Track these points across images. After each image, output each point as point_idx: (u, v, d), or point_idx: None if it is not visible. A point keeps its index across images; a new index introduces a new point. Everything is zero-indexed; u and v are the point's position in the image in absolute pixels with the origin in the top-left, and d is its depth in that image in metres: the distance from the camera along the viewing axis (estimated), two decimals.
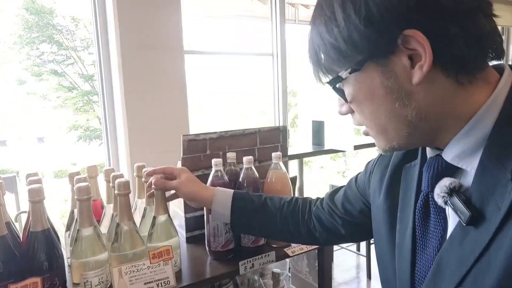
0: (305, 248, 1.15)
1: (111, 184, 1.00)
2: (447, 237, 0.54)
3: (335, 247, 3.26)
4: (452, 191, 0.52)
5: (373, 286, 2.96)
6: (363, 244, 3.27)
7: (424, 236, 0.59)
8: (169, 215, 0.97)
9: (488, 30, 0.49)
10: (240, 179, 1.09)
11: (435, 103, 0.51)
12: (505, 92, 0.51)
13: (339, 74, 0.54)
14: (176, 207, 1.25)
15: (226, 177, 1.08)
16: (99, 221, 1.04)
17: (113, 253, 0.90)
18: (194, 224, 1.19)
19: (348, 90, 0.56)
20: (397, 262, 0.63)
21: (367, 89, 0.54)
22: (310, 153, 2.94)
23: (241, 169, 1.12)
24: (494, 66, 0.54)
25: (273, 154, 1.14)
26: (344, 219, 0.84)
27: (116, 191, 0.90)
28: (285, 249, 1.13)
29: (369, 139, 3.00)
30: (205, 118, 3.12)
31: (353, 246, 3.39)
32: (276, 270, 1.33)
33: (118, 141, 2.29)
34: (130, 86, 2.17)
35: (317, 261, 1.27)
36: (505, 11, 4.65)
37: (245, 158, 1.08)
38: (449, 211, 0.56)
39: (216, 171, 1.07)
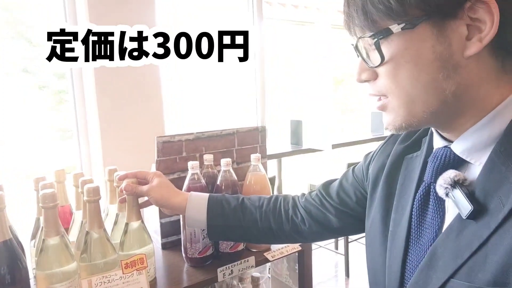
0: (285, 252, 1.13)
1: (80, 190, 0.94)
2: (444, 229, 0.53)
3: (313, 247, 3.27)
4: (455, 183, 0.51)
5: (351, 284, 2.97)
6: (341, 243, 3.28)
7: (420, 226, 0.58)
8: (142, 222, 0.92)
9: None
10: (218, 182, 1.05)
11: (475, 84, 0.49)
12: None
13: (390, 27, 0.48)
14: (151, 212, 1.20)
15: (203, 180, 1.04)
16: (67, 229, 0.98)
17: (83, 263, 0.85)
18: (170, 230, 1.15)
19: (388, 49, 0.50)
20: (389, 250, 0.62)
21: (414, 50, 0.49)
22: (289, 153, 2.92)
23: (218, 171, 1.08)
24: None
25: (252, 156, 1.11)
26: (338, 209, 0.81)
27: (85, 198, 0.85)
28: (264, 254, 1.10)
29: (348, 138, 2.98)
30: (183, 117, 3.05)
31: (331, 245, 3.41)
32: (255, 274, 1.30)
33: (90, 142, 2.20)
34: (102, 85, 2.09)
35: (297, 264, 1.25)
36: None
37: (223, 161, 1.04)
38: (448, 204, 0.55)
39: (193, 174, 1.02)
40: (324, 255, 3.34)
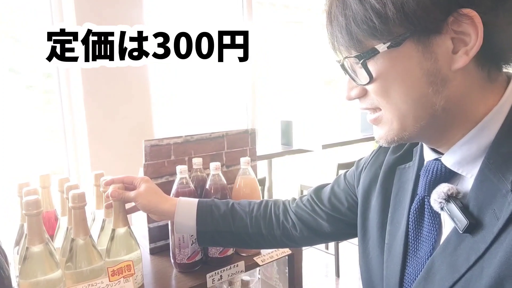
0: (275, 256, 1.12)
1: (65, 196, 0.92)
2: (441, 242, 0.53)
3: (303, 247, 3.27)
4: (449, 197, 0.51)
5: (341, 284, 2.98)
6: (331, 243, 3.29)
7: (416, 240, 0.58)
8: (129, 227, 0.90)
9: None
10: (207, 186, 1.04)
11: (463, 96, 0.49)
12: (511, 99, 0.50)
13: (376, 47, 0.48)
14: (139, 216, 1.18)
15: (191, 185, 1.02)
16: (52, 235, 0.96)
17: (68, 271, 0.83)
18: (158, 234, 1.13)
19: (375, 67, 0.50)
20: (386, 263, 0.62)
21: (401, 67, 0.49)
22: (279, 154, 2.92)
23: (208, 175, 1.07)
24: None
25: (242, 160, 1.10)
26: (330, 215, 0.81)
27: (70, 204, 0.82)
28: (254, 258, 1.09)
29: (338, 138, 2.98)
30: (174, 119, 3.03)
31: (321, 245, 3.41)
32: (245, 277, 1.29)
33: (77, 145, 2.16)
34: (90, 87, 2.05)
35: (287, 268, 1.24)
36: None
37: (211, 165, 1.03)
38: (444, 217, 0.54)
39: (181, 178, 1.01)
40: (315, 256, 3.35)
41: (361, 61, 0.50)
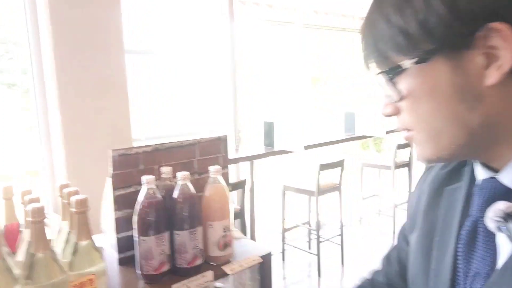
0: (245, 264, 1.12)
1: (26, 208, 0.90)
2: (498, 268, 0.49)
3: (286, 247, 3.29)
4: (508, 216, 0.47)
5: (323, 283, 3.01)
6: (313, 243, 3.31)
7: (468, 265, 0.53)
8: (92, 240, 0.89)
9: None
10: (175, 196, 1.03)
11: (505, 112, 0.46)
12: None
13: (400, 63, 0.47)
14: (108, 226, 1.16)
15: (159, 195, 1.01)
16: (14, 247, 0.94)
17: (27, 286, 0.81)
18: (127, 244, 1.12)
19: (405, 84, 0.49)
20: None
21: (430, 84, 0.47)
22: (260, 155, 2.92)
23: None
24: None
25: (211, 168, 1.09)
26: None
27: (29, 218, 0.81)
28: (223, 267, 1.08)
29: (321, 139, 2.98)
30: (153, 122, 3.00)
31: (304, 245, 3.44)
32: (218, 284, 1.29)
33: (53, 150, 2.12)
34: (65, 90, 2.02)
35: (259, 275, 1.24)
36: None
37: (178, 174, 1.02)
38: (500, 239, 0.50)
39: (149, 189, 1.00)
40: (297, 256, 3.36)
41: (390, 77, 0.49)
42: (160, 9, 2.73)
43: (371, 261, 3.26)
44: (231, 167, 2.94)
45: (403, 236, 0.72)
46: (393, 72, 0.49)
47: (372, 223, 4.15)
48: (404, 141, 4.01)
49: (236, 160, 2.79)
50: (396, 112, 0.52)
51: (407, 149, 3.98)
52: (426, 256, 0.59)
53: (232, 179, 2.62)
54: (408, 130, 0.52)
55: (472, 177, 0.56)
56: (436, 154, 0.50)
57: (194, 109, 3.13)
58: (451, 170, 0.61)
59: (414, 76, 0.48)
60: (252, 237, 2.88)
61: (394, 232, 3.86)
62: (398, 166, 3.92)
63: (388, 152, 4.71)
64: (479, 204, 0.52)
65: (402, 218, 4.14)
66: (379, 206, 4.32)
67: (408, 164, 4.03)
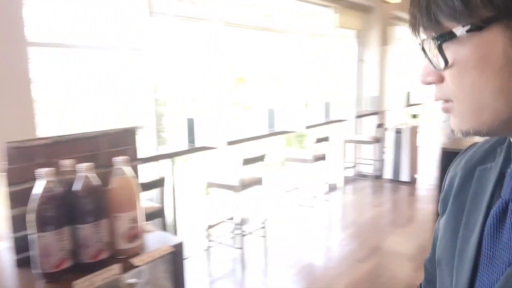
0: (156, 255, 1.11)
1: None
2: None
3: (211, 244, 3.30)
4: None
5: (247, 276, 3.07)
6: (238, 237, 3.37)
7: (494, 246, 0.51)
8: None
9: None
10: (77, 188, 0.99)
11: None
12: None
13: (453, 30, 0.44)
14: (4, 226, 1.08)
15: (58, 188, 0.97)
16: None
17: None
18: (25, 244, 1.04)
19: (454, 53, 0.46)
20: (456, 270, 0.56)
21: (481, 54, 0.44)
22: (181, 152, 2.90)
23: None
24: None
25: (116, 159, 1.07)
26: None
27: None
28: (132, 259, 1.07)
29: (244, 135, 3.03)
30: (67, 120, 2.82)
31: (228, 240, 3.47)
32: (131, 280, 1.26)
33: None
34: None
35: (172, 265, 1.24)
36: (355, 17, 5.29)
37: (79, 165, 0.99)
38: None
39: (47, 182, 0.95)
40: (221, 251, 3.39)
41: (438, 43, 0.46)
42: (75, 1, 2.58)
43: (294, 251, 3.41)
44: (152, 166, 2.88)
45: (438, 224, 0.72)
46: (442, 38, 0.46)
47: (294, 215, 4.32)
48: (321, 136, 4.26)
49: (156, 158, 2.74)
50: (439, 80, 0.50)
51: (324, 143, 4.23)
52: (453, 236, 0.58)
53: (154, 178, 2.55)
54: (447, 100, 0.50)
55: (507, 157, 0.54)
56: (475, 127, 0.48)
57: (112, 106, 3.00)
58: (487, 149, 0.60)
59: (465, 44, 0.45)
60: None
61: (314, 223, 4.07)
62: (317, 159, 4.15)
63: (308, 147, 4.96)
64: (511, 187, 0.51)
65: (321, 210, 4.39)
66: (300, 199, 4.53)
67: (324, 157, 4.28)
